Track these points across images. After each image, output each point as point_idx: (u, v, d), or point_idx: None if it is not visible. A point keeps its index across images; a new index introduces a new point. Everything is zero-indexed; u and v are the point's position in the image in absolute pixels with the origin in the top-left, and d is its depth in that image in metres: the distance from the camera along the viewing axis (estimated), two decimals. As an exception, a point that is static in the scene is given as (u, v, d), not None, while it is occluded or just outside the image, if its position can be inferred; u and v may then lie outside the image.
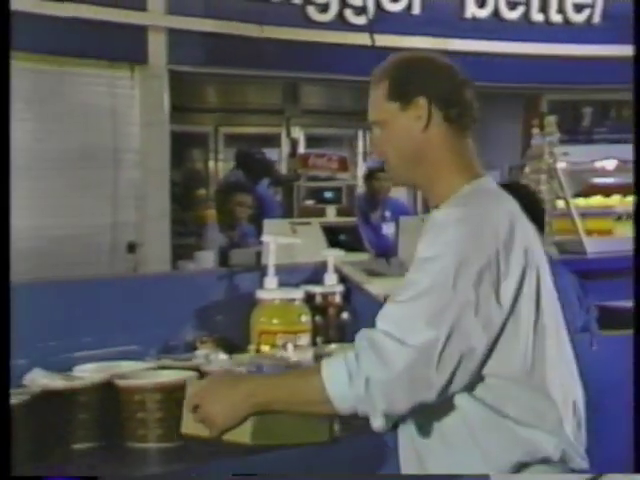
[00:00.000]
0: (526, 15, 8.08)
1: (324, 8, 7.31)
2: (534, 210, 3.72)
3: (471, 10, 7.98)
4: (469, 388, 1.69)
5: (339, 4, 7.33)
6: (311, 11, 7.26)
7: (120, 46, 6.37)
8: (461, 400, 1.70)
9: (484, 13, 8.01)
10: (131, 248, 6.62)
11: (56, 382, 2.40)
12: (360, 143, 9.36)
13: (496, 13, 8.02)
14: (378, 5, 7.52)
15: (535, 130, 5.24)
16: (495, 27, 8.00)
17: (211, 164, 9.08)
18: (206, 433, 1.78)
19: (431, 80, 1.83)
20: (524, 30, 8.02)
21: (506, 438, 1.70)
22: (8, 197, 1.81)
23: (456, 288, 1.64)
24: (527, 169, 5.25)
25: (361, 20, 6.99)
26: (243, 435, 2.03)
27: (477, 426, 1.70)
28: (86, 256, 6.33)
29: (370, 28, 5.56)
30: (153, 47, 6.55)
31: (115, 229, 6.61)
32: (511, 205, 1.79)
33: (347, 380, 1.62)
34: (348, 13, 7.34)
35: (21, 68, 6.13)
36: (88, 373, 2.52)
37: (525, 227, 1.77)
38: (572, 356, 1.83)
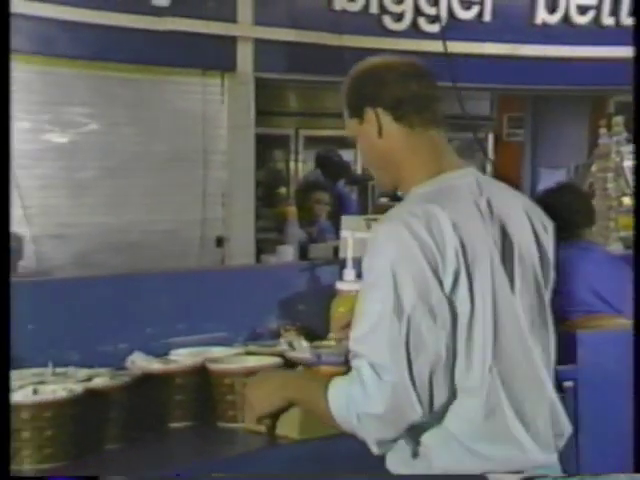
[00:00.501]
0: (596, 19, 7.86)
1: (399, 17, 7.27)
2: (584, 207, 3.69)
3: (541, 16, 7.81)
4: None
5: (413, 13, 7.27)
6: (387, 20, 7.23)
7: (212, 56, 6.46)
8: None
9: (554, 19, 7.83)
10: (219, 242, 6.70)
11: (154, 365, 2.44)
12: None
13: (566, 18, 7.84)
14: (450, 13, 7.44)
15: (602, 130, 5.13)
16: (565, 32, 7.81)
17: (292, 164, 9.14)
18: (262, 429, 1.86)
19: (373, 88, 1.77)
20: (594, 34, 7.81)
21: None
22: (8, 195, 1.80)
23: (402, 308, 1.58)
24: (594, 168, 5.14)
25: (434, 28, 6.92)
26: (292, 430, 2.08)
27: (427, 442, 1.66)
28: (178, 249, 6.44)
29: (443, 36, 5.49)
30: (241, 56, 6.62)
31: (204, 225, 6.70)
32: (450, 202, 1.67)
33: (345, 408, 1.61)
34: (422, 22, 7.28)
35: (121, 78, 6.27)
36: (183, 357, 2.56)
37: (464, 223, 1.66)
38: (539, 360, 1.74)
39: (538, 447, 1.70)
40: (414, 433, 1.65)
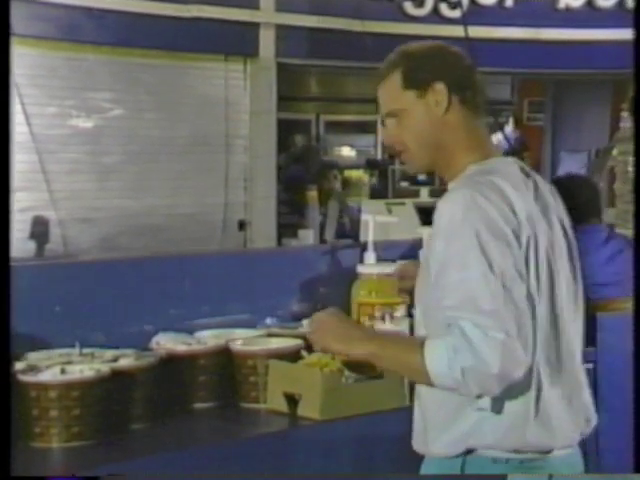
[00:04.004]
0: (621, 2, 7.74)
1: (420, 3, 7.22)
2: (591, 196, 3.70)
3: (565, 1, 7.72)
4: None
5: (434, -1, 7.24)
6: (408, 6, 7.19)
7: (234, 42, 6.46)
8: None
9: (578, 2, 7.73)
10: (241, 226, 6.72)
11: (178, 346, 2.45)
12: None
13: (590, 2, 7.73)
14: (472, -1, 7.38)
15: (624, 113, 5.07)
16: (589, 16, 7.71)
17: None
18: (285, 409, 1.85)
19: (444, 66, 1.77)
20: (618, 17, 7.71)
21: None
22: (8, 188, 1.79)
23: (494, 270, 1.61)
24: (615, 151, 5.09)
25: (456, 14, 6.87)
26: (313, 411, 2.07)
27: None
28: (201, 233, 6.46)
29: (464, 21, 5.45)
30: (264, 42, 6.62)
31: (227, 208, 6.72)
32: (507, 180, 1.71)
33: (446, 365, 1.61)
34: (443, 7, 7.23)
35: (145, 64, 6.29)
36: (206, 339, 2.57)
37: (523, 199, 1.70)
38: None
39: (573, 425, 1.73)
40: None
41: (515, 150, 6.14)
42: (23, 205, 5.62)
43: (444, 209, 1.69)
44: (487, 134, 1.83)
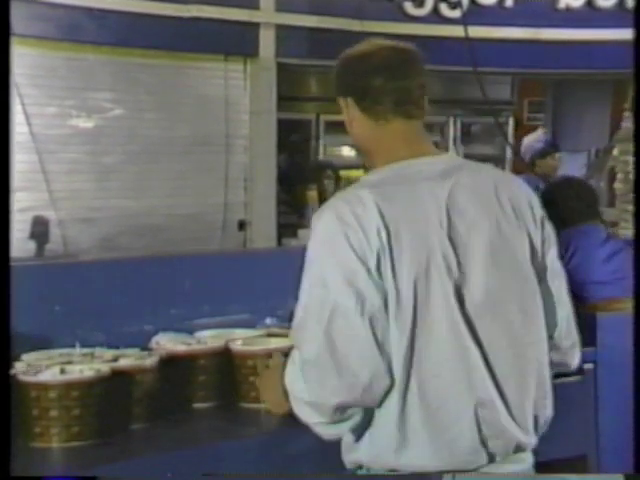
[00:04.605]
0: (621, 2, 7.73)
1: (420, 3, 7.21)
2: (588, 198, 3.71)
3: (565, 1, 7.71)
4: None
5: (434, -1, 7.24)
6: (408, 6, 7.18)
7: (234, 42, 6.47)
8: None
9: (578, 3, 7.72)
10: (241, 226, 6.72)
11: (178, 346, 2.45)
12: (451, 130, 9.22)
13: (590, 2, 7.73)
14: (472, -1, 7.38)
15: (626, 113, 5.07)
16: (589, 16, 7.70)
17: (313, 149, 9.12)
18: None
19: (345, 79, 1.80)
20: (618, 17, 7.70)
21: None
22: (8, 189, 1.80)
23: (329, 291, 1.59)
24: (616, 151, 5.08)
25: (456, 14, 6.87)
26: None
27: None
28: (201, 233, 6.46)
29: (464, 21, 5.45)
30: (264, 42, 6.62)
31: (227, 208, 6.71)
32: (387, 188, 1.66)
33: (291, 396, 1.66)
34: (443, 7, 7.23)
35: (145, 64, 6.29)
36: (206, 339, 2.57)
37: (400, 208, 1.64)
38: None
39: (447, 452, 1.64)
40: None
41: (544, 152, 6.11)
42: (23, 205, 5.62)
43: (315, 221, 1.68)
44: (408, 136, 1.75)
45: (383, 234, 1.61)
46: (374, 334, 1.59)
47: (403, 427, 1.62)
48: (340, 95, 1.80)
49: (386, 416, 1.63)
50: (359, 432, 1.66)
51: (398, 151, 1.74)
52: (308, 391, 1.60)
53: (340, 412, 1.60)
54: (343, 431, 1.66)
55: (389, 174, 1.72)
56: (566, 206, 3.62)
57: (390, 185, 1.69)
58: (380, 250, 1.61)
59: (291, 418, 1.70)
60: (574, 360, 1.85)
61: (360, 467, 1.70)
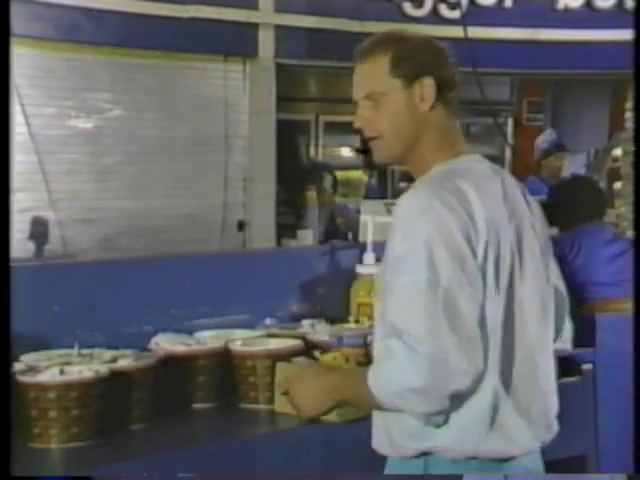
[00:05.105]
0: (620, 3, 7.73)
1: (419, 3, 7.22)
2: (596, 198, 3.71)
3: (564, 1, 7.72)
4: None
5: (433, 0, 7.23)
6: (407, 7, 7.18)
7: (233, 42, 6.47)
8: None
9: (577, 3, 7.72)
10: (240, 226, 6.72)
11: (178, 347, 2.45)
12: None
13: (589, 3, 7.73)
14: (471, 0, 7.38)
15: (628, 114, 5.05)
16: (588, 16, 7.70)
17: (312, 150, 9.12)
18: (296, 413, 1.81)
19: (435, 61, 1.72)
20: (617, 17, 7.70)
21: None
22: (8, 189, 1.79)
23: (439, 280, 1.57)
24: (619, 152, 5.08)
25: (455, 14, 6.87)
26: (330, 414, 2.05)
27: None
28: (200, 233, 6.46)
29: (463, 21, 5.44)
30: (263, 42, 6.62)
31: (226, 209, 6.71)
32: (471, 181, 1.67)
33: (385, 389, 1.59)
34: (442, 8, 7.23)
35: (144, 64, 6.29)
36: (206, 339, 2.57)
37: (486, 201, 1.66)
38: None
39: (531, 434, 1.68)
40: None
41: (548, 152, 6.11)
42: (22, 206, 5.61)
43: (400, 209, 1.65)
44: (460, 134, 1.77)
45: (490, 226, 1.63)
46: (480, 322, 1.60)
47: (494, 412, 1.64)
48: (425, 75, 1.69)
49: (479, 401, 1.63)
50: (443, 419, 1.65)
51: (458, 145, 1.75)
52: (423, 380, 1.54)
53: (449, 399, 1.58)
54: (442, 419, 1.64)
55: (462, 166, 1.71)
56: (573, 205, 3.62)
57: (471, 177, 1.69)
58: (487, 241, 1.62)
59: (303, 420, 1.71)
60: (570, 344, 1.91)
61: (425, 454, 1.67)
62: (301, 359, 2.37)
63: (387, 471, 1.75)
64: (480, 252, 1.62)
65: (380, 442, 1.73)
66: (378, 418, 1.73)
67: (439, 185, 1.65)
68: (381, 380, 1.60)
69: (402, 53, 1.71)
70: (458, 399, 1.60)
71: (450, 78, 1.73)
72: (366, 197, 7.95)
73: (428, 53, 1.73)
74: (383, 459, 1.77)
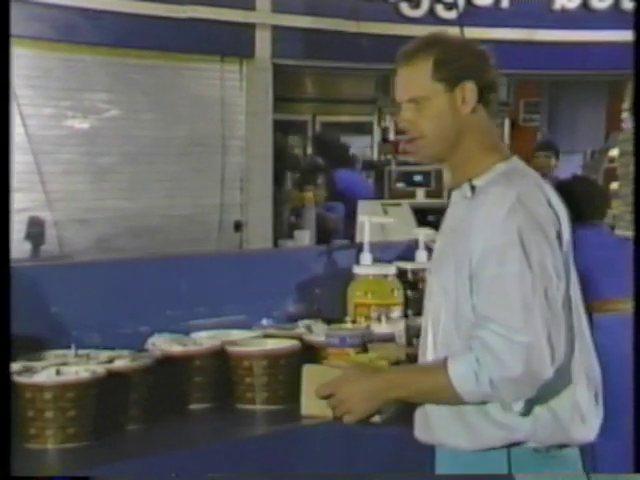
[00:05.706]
0: (616, 4, 7.74)
1: (416, 4, 7.23)
2: (595, 196, 3.72)
3: (560, 1, 7.73)
4: None
5: (430, 0, 7.24)
6: (404, 7, 7.19)
7: (230, 42, 6.47)
8: None
9: (574, 4, 7.73)
10: (237, 227, 6.72)
11: (174, 347, 2.44)
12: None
13: (585, 3, 7.74)
14: (468, 0, 7.39)
15: (625, 114, 5.06)
16: (584, 17, 7.72)
17: (309, 150, 9.12)
18: (329, 414, 1.78)
19: (476, 65, 1.76)
20: (613, 18, 7.71)
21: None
22: (8, 189, 1.79)
23: (533, 270, 1.63)
24: (616, 152, 5.09)
25: (451, 15, 6.88)
26: (374, 417, 2.02)
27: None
28: (197, 234, 6.46)
29: (460, 22, 5.46)
30: (260, 43, 6.63)
31: (223, 209, 6.71)
32: (539, 181, 1.78)
33: (474, 381, 1.62)
34: (439, 8, 7.24)
35: (141, 64, 6.28)
36: (202, 340, 2.56)
37: (553, 197, 1.77)
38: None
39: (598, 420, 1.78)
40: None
41: (537, 147, 6.16)
42: (19, 206, 5.60)
43: (487, 207, 1.69)
44: (498, 134, 1.88)
45: (561, 218, 1.74)
46: (566, 317, 1.69)
47: (578, 401, 1.72)
48: (468, 79, 1.73)
49: (567, 390, 1.71)
50: (529, 408, 1.69)
51: (504, 147, 1.83)
52: (521, 369, 1.59)
53: (539, 387, 1.64)
54: (527, 408, 1.68)
55: (520, 166, 1.79)
56: (573, 205, 3.62)
57: (535, 177, 1.78)
58: (566, 243, 1.73)
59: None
60: None
61: (512, 445, 1.70)
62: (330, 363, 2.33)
63: (450, 463, 1.76)
64: (564, 245, 1.72)
65: (450, 436, 1.73)
66: (447, 412, 1.72)
67: (520, 183, 1.72)
68: (469, 373, 1.62)
69: (444, 57, 1.75)
70: (545, 387, 1.65)
71: (491, 81, 1.78)
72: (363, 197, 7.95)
73: (470, 57, 1.77)
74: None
